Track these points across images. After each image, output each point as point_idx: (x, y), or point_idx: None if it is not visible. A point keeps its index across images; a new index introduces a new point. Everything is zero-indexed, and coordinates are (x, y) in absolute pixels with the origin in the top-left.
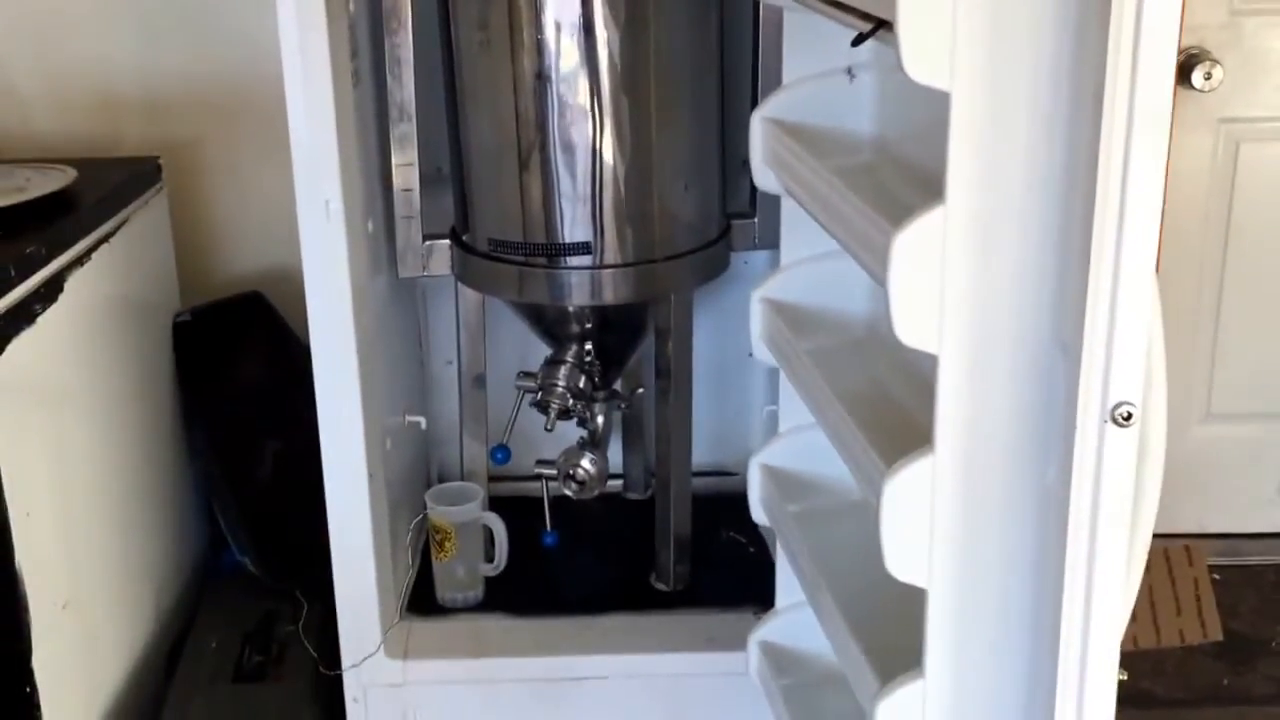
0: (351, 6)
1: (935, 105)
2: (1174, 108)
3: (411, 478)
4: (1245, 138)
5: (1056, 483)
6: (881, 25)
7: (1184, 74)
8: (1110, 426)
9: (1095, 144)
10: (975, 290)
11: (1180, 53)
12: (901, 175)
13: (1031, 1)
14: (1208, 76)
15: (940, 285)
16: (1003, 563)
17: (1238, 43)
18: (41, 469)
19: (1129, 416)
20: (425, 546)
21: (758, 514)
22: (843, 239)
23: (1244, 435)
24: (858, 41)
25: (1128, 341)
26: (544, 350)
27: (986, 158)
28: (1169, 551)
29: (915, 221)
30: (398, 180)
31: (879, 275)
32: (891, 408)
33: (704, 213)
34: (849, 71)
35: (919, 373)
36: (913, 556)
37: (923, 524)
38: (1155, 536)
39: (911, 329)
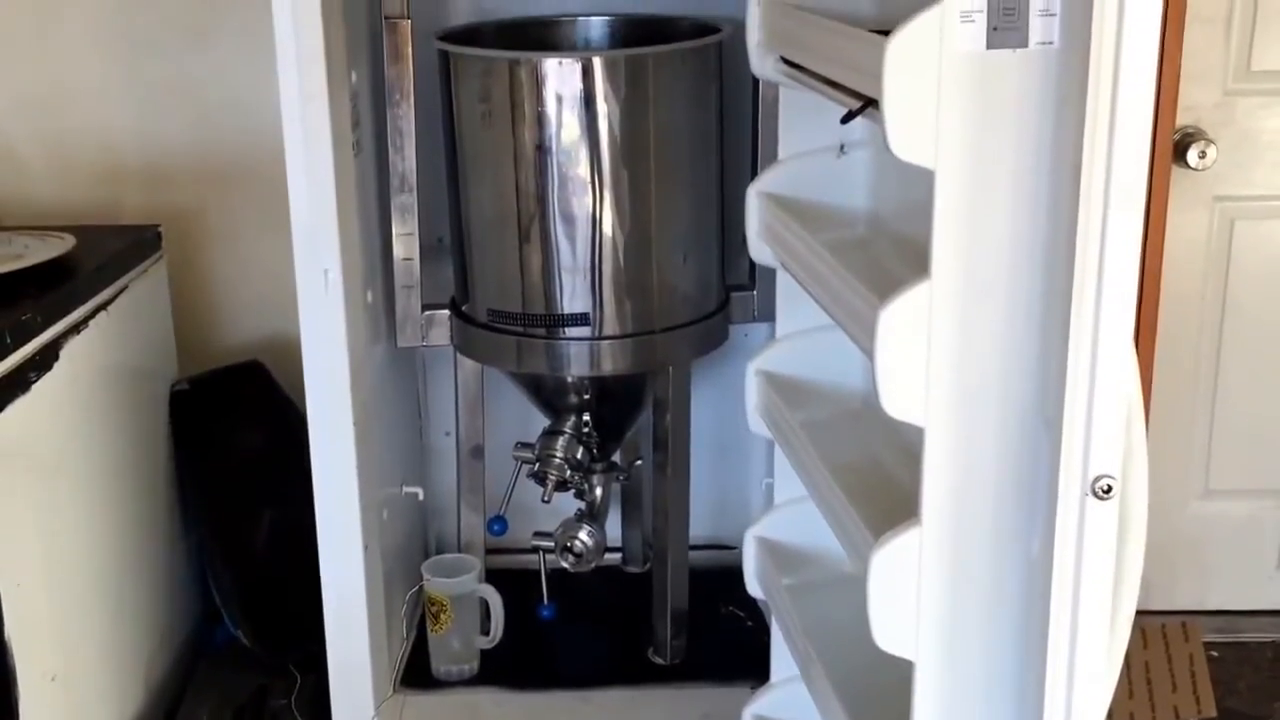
0: (354, 77)
1: (927, 180)
2: (1169, 186)
3: (408, 549)
4: (1240, 215)
5: (1041, 556)
6: (870, 103)
7: (1179, 153)
8: (1091, 499)
9: (1075, 222)
10: (960, 364)
11: (1175, 132)
12: (894, 249)
13: (1013, 82)
14: (1202, 155)
15: (926, 358)
16: (989, 635)
17: (1231, 122)
18: (33, 539)
19: (1109, 489)
20: (421, 618)
21: (753, 587)
22: (833, 312)
23: (1242, 512)
24: (846, 119)
25: (1107, 414)
26: (542, 421)
27: (970, 234)
28: (1166, 628)
29: (901, 296)
30: (398, 250)
31: (867, 348)
32: (883, 481)
33: (703, 285)
34: (841, 148)
35: (911, 446)
36: (900, 628)
37: (910, 596)
38: (1153, 613)
39: (898, 401)
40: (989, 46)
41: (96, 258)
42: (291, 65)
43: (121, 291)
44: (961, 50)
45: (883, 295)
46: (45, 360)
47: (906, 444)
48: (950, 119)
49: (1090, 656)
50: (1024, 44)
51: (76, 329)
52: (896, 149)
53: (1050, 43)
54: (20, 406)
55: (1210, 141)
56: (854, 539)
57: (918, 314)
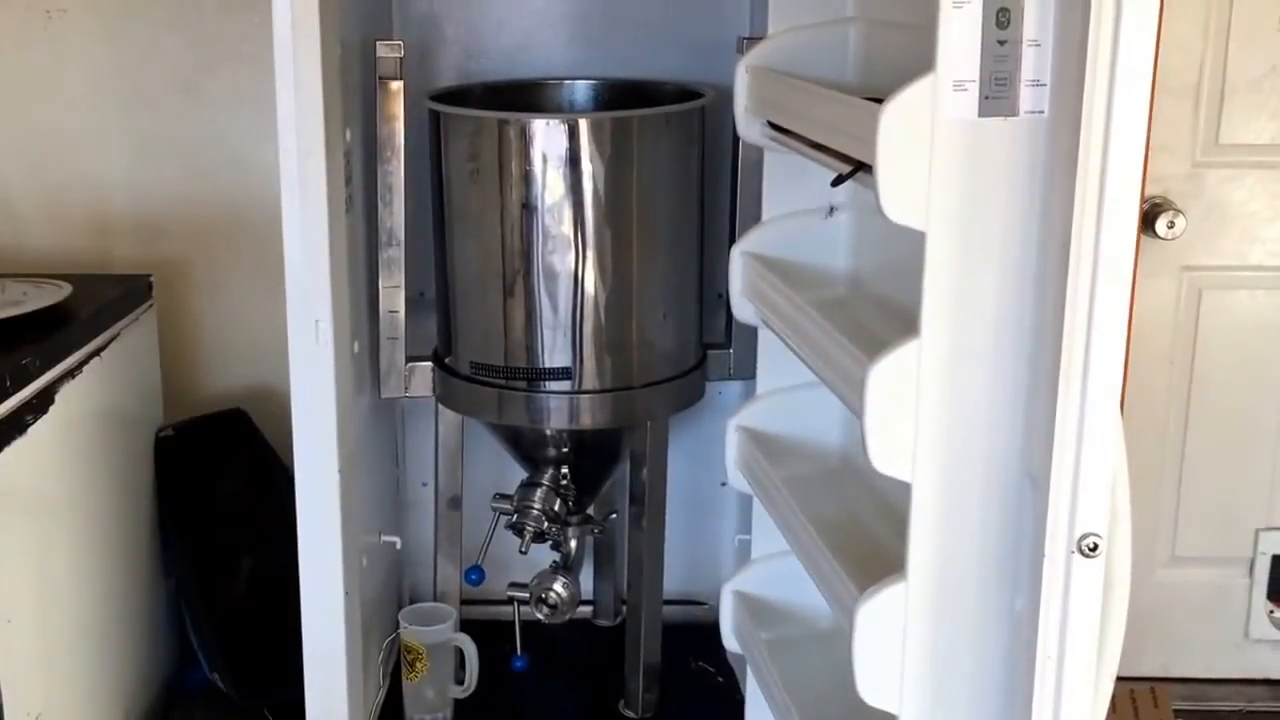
0: (348, 136)
1: (910, 243)
2: (1138, 255)
3: (385, 597)
4: (1207, 285)
5: (1025, 611)
6: (861, 168)
7: (1148, 222)
8: (1077, 557)
9: (1063, 283)
10: (947, 421)
11: (1144, 202)
12: (876, 309)
13: (1004, 149)
14: (1171, 225)
15: (914, 416)
16: (974, 689)
17: (1200, 194)
18: (23, 577)
19: (1095, 548)
20: (395, 667)
21: (730, 641)
22: (819, 370)
23: (1209, 579)
24: (837, 182)
25: (1093, 474)
26: (520, 473)
27: (960, 294)
28: (1135, 693)
29: (891, 354)
30: (384, 302)
31: (855, 405)
32: (865, 536)
33: (681, 342)
34: (830, 210)
35: (892, 502)
36: (885, 681)
37: (895, 649)
38: (1121, 679)
39: (886, 457)
40: (981, 115)
41: (91, 305)
42: (291, 123)
43: (114, 339)
44: (954, 118)
45: (872, 354)
46: (41, 404)
47: (887, 500)
48: (942, 184)
49: (1074, 713)
50: (1014, 113)
51: (71, 374)
52: (889, 211)
53: (1040, 112)
54: (17, 448)
55: (1179, 212)
56: (838, 593)
57: (907, 372)
